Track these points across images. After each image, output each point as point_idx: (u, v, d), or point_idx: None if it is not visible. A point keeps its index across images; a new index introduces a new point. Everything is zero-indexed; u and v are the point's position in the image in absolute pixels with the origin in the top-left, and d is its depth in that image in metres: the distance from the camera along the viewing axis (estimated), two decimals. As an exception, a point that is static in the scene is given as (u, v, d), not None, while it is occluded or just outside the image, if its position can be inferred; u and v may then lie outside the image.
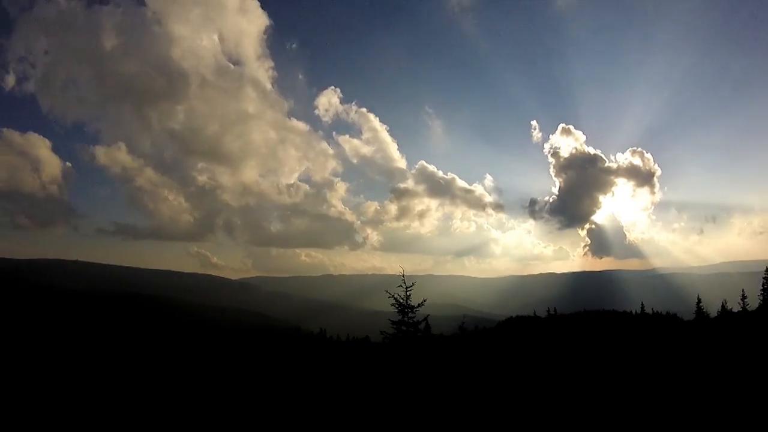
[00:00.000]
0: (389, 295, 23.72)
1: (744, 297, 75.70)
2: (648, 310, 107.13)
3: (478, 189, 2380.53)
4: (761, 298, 76.15)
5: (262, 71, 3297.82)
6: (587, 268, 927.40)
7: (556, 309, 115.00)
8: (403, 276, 23.79)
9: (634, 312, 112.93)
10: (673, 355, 40.53)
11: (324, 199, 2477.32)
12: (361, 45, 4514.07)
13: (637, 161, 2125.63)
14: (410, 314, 23.49)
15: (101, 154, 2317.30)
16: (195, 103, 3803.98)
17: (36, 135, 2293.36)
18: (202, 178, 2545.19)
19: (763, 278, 73.67)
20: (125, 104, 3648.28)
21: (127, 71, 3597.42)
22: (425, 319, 24.47)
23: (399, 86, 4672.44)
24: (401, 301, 23.51)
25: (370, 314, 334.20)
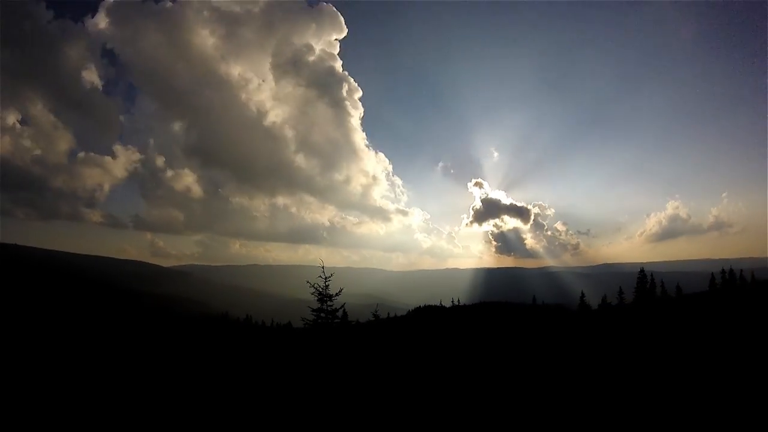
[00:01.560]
0: (310, 284, 25.52)
1: (621, 293, 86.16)
2: (539, 302, 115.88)
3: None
4: (635, 294, 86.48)
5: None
6: (490, 265, 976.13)
7: (460, 300, 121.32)
8: (323, 267, 25.84)
9: (526, 303, 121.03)
10: (557, 339, 45.75)
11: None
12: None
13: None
14: (328, 302, 25.54)
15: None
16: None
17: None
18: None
19: (637, 278, 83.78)
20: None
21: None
22: (342, 306, 26.45)
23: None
24: (320, 290, 25.41)
25: (293, 302, 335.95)
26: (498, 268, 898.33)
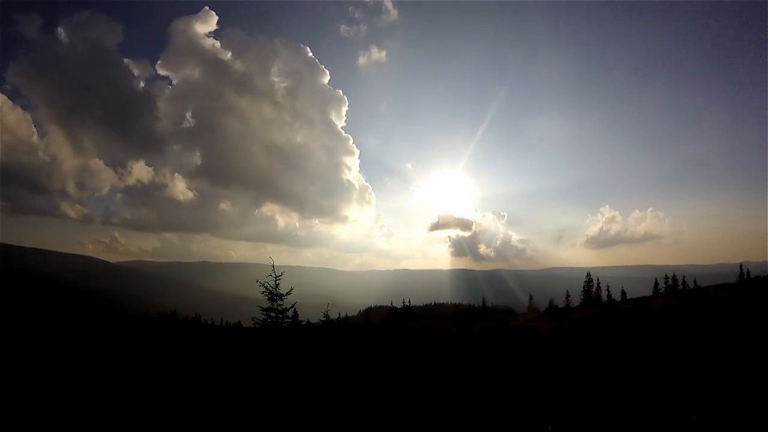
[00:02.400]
0: (260, 283, 24.70)
1: (568, 296, 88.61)
2: (489, 304, 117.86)
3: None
4: (582, 297, 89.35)
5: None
6: (443, 267, 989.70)
7: (411, 300, 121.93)
8: (273, 266, 25.06)
9: (477, 305, 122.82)
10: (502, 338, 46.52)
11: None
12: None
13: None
14: (279, 302, 24.76)
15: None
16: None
17: None
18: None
19: (584, 282, 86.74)
20: None
21: None
22: (293, 306, 25.83)
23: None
24: (271, 289, 24.59)
25: (243, 300, 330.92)
26: (451, 270, 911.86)
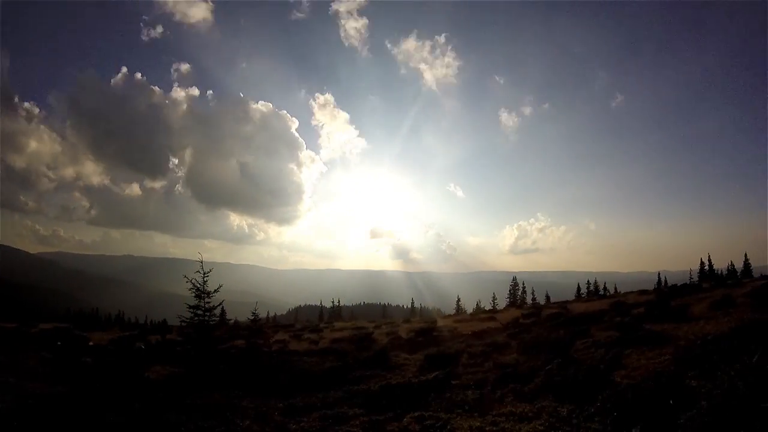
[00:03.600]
0: (187, 279, 23.69)
1: (494, 298, 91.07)
2: (417, 304, 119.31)
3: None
4: (508, 299, 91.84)
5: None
6: (373, 268, 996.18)
7: (340, 300, 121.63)
8: (201, 262, 24.08)
9: (406, 306, 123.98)
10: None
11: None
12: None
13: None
14: (206, 299, 23.75)
15: None
16: None
17: None
18: None
19: (510, 285, 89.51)
20: None
21: None
22: (220, 304, 25.20)
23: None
24: (198, 286, 23.60)
25: (169, 297, 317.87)
26: (381, 271, 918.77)
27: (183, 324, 25.00)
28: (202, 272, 23.89)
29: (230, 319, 42.81)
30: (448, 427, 10.87)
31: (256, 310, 37.28)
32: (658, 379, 10.60)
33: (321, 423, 12.30)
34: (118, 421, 10.86)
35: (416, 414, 12.00)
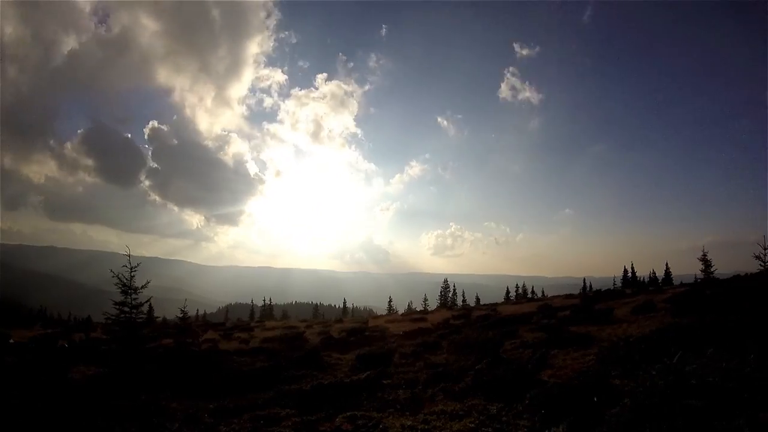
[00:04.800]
0: (113, 274, 22.40)
1: (426, 299, 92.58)
2: (350, 304, 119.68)
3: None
4: (439, 301, 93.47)
5: None
6: (310, 267, 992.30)
7: (272, 299, 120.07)
8: (129, 255, 22.73)
9: (336, 305, 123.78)
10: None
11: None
12: None
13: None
14: (133, 296, 22.45)
15: None
16: None
17: None
18: None
19: (441, 287, 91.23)
20: None
21: None
22: (148, 300, 23.96)
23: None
24: (125, 281, 22.29)
25: (94, 293, 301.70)
26: (313, 270, 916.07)
27: (108, 321, 23.62)
28: (129, 267, 22.61)
29: (158, 317, 41.34)
30: (381, 426, 10.89)
31: (185, 307, 36.06)
32: (584, 378, 11.07)
33: (252, 424, 12.04)
34: (42, 427, 10.25)
35: (348, 414, 11.94)
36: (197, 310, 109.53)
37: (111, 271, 22.76)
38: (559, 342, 18.83)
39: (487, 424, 10.26)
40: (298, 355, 23.64)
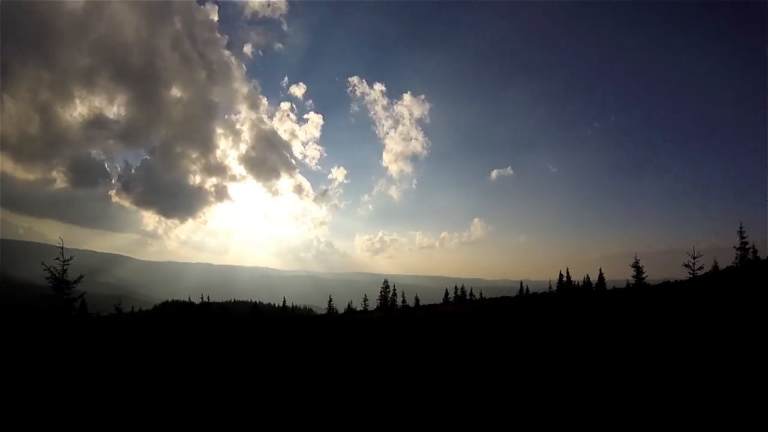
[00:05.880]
0: (45, 267, 21.51)
1: (366, 299, 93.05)
2: (290, 303, 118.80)
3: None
4: (379, 301, 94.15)
5: None
6: (250, 264, 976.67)
7: (210, 297, 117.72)
8: (62, 248, 22.13)
9: (276, 304, 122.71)
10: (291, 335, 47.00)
11: None
12: None
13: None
14: (66, 291, 21.76)
15: None
16: None
17: None
18: None
19: (381, 287, 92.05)
20: None
21: None
22: (81, 296, 23.22)
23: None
24: (57, 275, 21.51)
25: (22, 286, 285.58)
26: (256, 267, 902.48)
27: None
28: (61, 260, 21.94)
29: (92, 313, 39.99)
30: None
31: (120, 304, 35.20)
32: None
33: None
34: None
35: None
36: (132, 307, 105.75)
37: (42, 263, 21.91)
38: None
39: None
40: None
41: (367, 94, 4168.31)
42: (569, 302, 55.61)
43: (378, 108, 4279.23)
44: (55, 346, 21.13)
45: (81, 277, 22.88)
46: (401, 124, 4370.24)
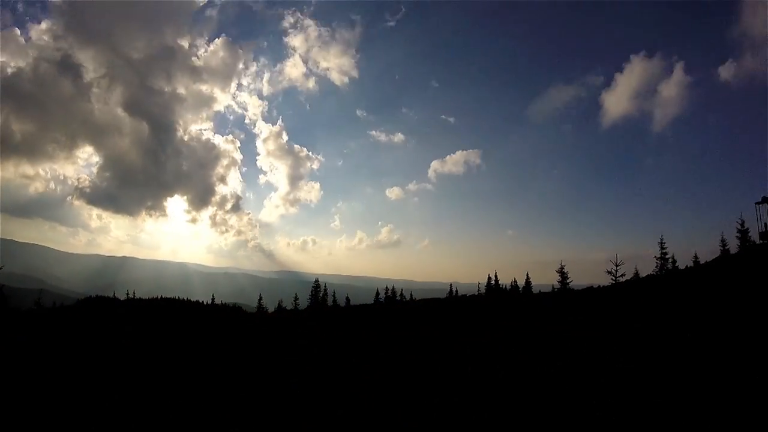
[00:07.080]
0: None
1: (296, 299, 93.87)
2: (218, 301, 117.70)
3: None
4: (310, 300, 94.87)
5: None
6: (173, 259, 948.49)
7: (136, 292, 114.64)
8: None
9: (205, 302, 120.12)
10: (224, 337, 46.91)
11: None
12: None
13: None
14: None
15: None
16: None
17: None
18: None
19: (312, 287, 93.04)
20: None
21: None
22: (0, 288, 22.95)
23: None
24: None
25: None
26: (185, 263, 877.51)
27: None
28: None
29: (13, 308, 38.82)
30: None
31: (40, 298, 34.39)
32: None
33: None
34: None
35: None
36: (54, 302, 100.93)
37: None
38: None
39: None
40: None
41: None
42: (495, 303, 58.44)
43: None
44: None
45: (1, 267, 22.57)
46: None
